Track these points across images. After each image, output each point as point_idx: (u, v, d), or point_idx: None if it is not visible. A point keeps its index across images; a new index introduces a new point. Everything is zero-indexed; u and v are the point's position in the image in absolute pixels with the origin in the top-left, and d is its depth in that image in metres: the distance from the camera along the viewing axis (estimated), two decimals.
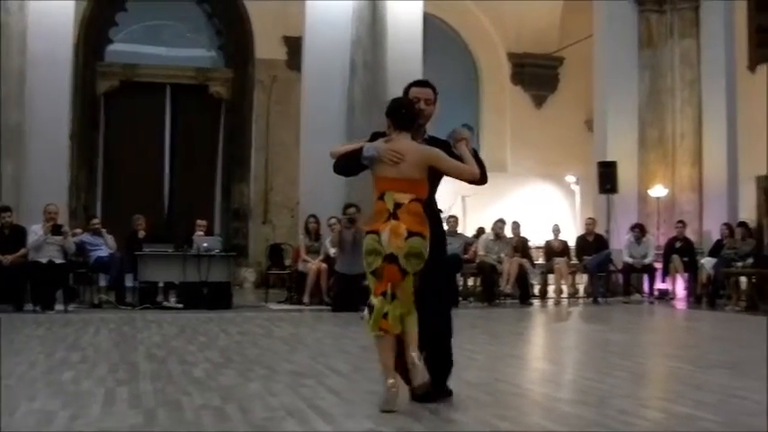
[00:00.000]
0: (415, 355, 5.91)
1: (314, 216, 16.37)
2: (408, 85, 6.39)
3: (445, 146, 6.21)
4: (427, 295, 6.05)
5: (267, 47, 22.63)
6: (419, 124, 6.21)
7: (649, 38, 19.68)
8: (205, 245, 15.23)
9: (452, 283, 16.65)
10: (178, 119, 22.62)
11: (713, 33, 19.11)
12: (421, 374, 5.90)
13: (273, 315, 14.06)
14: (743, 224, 17.38)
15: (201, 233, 16.28)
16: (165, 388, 6.67)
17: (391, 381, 5.88)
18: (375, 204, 6.05)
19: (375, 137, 6.30)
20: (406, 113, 6.09)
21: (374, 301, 5.96)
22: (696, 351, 10.38)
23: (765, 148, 20.81)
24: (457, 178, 6.18)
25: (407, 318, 5.91)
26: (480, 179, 6.16)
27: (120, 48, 22.37)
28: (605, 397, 6.46)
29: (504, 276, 16.67)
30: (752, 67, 22.34)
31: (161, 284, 15.74)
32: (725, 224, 17.61)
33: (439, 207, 6.52)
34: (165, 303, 15.37)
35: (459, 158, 6.11)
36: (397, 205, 5.89)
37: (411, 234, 5.82)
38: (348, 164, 6.40)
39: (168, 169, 22.43)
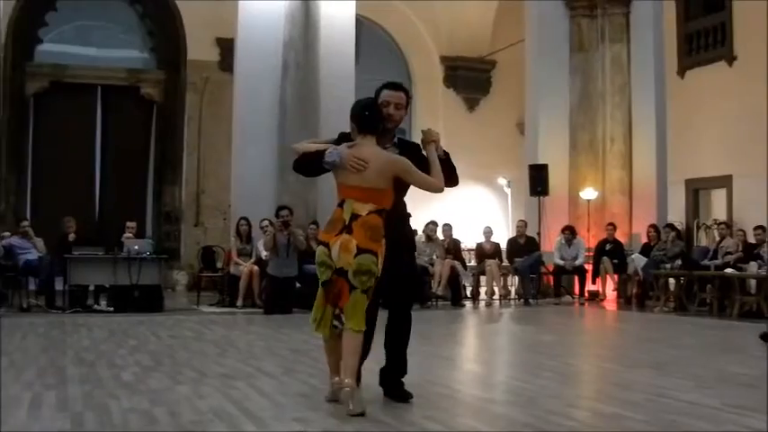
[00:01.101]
0: (349, 382, 5.69)
1: (245, 219, 16.29)
2: (380, 87, 6.13)
3: (415, 149, 6.10)
4: (394, 299, 6.26)
5: (199, 48, 22.45)
6: (386, 129, 6.00)
7: (580, 42, 19.89)
8: (136, 248, 15.07)
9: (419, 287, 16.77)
10: (109, 120, 22.38)
11: (643, 39, 19.37)
12: (356, 403, 5.65)
13: (205, 318, 13.97)
14: (671, 226, 17.62)
15: (131, 235, 16.13)
16: (93, 392, 6.60)
17: (336, 379, 5.92)
18: (334, 210, 5.95)
19: (342, 138, 6.11)
20: (369, 116, 5.86)
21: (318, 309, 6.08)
22: (624, 351, 10.53)
23: (695, 151, 21.18)
24: (425, 190, 6.00)
25: (352, 334, 5.78)
26: (451, 183, 6.09)
27: (50, 48, 22.03)
28: (534, 397, 6.52)
29: (436, 278, 16.73)
30: (681, 72, 22.69)
31: (91, 288, 15.52)
32: (651, 226, 17.87)
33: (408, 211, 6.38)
34: (96, 307, 15.15)
35: (426, 161, 5.97)
36: (354, 216, 5.73)
37: (361, 251, 5.68)
38: (309, 165, 6.32)
39: (99, 171, 22.18)
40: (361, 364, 6.01)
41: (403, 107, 6.01)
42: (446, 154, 6.10)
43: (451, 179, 6.08)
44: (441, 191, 5.92)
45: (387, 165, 5.76)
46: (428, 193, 6.00)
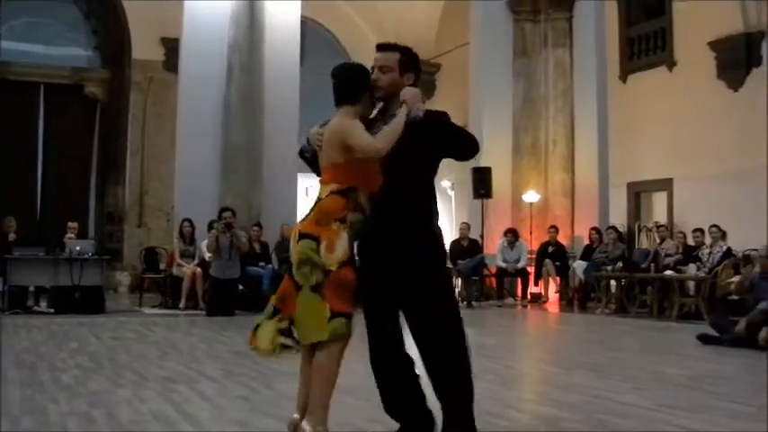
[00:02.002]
0: (307, 428, 4.62)
1: (189, 220, 16.23)
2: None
3: (440, 119, 4.94)
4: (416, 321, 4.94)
5: (144, 48, 22.31)
6: (376, 98, 4.93)
7: (524, 47, 20.03)
8: (78, 248, 14.95)
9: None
10: (52, 119, 22.15)
11: (586, 43, 19.53)
12: None
13: (147, 320, 13.89)
14: (613, 228, 17.83)
15: (72, 236, 16.01)
16: (32, 395, 6.56)
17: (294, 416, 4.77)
18: None
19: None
20: (336, 84, 4.91)
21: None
22: (565, 353, 10.65)
23: (637, 154, 21.46)
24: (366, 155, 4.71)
25: (315, 352, 4.73)
26: (463, 152, 5.02)
27: None
28: (475, 401, 6.57)
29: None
30: (623, 76, 23.00)
31: (32, 289, 15.37)
32: (593, 228, 18.05)
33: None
34: (36, 308, 15.02)
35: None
36: (317, 201, 4.82)
37: (301, 236, 4.76)
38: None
39: (41, 171, 21.95)
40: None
41: (392, 69, 4.89)
42: (429, 114, 4.85)
43: (468, 147, 5.03)
44: (377, 154, 4.63)
45: (332, 132, 4.76)
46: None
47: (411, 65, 4.94)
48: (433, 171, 4.99)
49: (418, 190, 4.91)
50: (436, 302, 4.86)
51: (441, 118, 4.92)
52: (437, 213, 4.98)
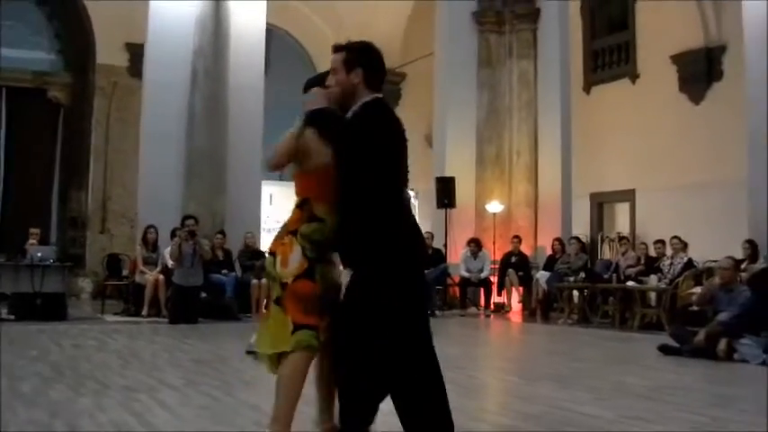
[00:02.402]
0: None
1: (153, 227, 16.15)
2: None
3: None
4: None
5: (109, 52, 22.20)
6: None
7: (488, 57, 20.11)
8: (39, 254, 14.84)
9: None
10: (14, 123, 21.95)
11: (549, 55, 19.64)
12: None
13: (109, 327, 13.80)
14: (576, 239, 17.94)
15: (34, 242, 15.90)
16: None
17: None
18: None
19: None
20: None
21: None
22: (527, 364, 10.70)
23: (600, 166, 21.62)
24: None
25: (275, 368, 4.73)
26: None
27: None
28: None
29: (342, 290, 16.71)
30: (586, 88, 23.20)
31: None
32: (556, 239, 18.15)
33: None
34: None
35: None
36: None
37: (269, 252, 4.86)
38: None
39: (3, 176, 21.75)
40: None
41: (337, 71, 4.67)
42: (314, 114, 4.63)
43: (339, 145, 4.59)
44: (269, 168, 4.79)
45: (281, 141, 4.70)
46: None
47: (357, 61, 4.61)
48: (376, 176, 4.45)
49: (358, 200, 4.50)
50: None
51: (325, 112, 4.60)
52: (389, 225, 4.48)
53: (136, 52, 21.17)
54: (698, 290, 13.39)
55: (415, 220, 4.62)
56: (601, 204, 23.37)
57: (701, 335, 10.52)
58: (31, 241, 15.88)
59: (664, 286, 15.01)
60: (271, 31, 20.21)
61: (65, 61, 22.68)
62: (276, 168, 4.67)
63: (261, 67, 18.23)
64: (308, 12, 24.50)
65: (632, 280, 15.82)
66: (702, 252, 16.76)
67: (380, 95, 4.59)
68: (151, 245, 16.11)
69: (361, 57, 4.63)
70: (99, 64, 22.29)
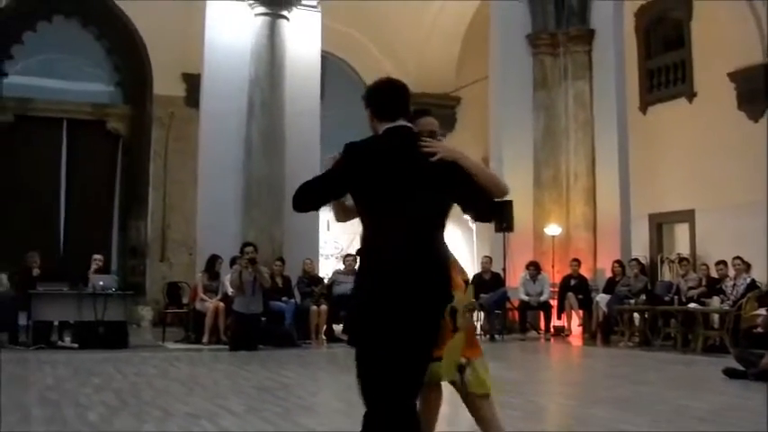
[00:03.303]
0: None
1: (219, 256, 16.21)
2: None
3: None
4: None
5: (166, 83, 22.45)
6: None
7: (544, 79, 20.05)
8: (101, 283, 15.02)
9: None
10: (74, 155, 22.25)
11: (605, 76, 19.51)
12: None
13: (170, 355, 13.93)
14: (635, 261, 17.78)
15: (97, 267, 16.07)
16: None
17: None
18: None
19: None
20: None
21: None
22: (587, 388, 10.61)
23: (658, 186, 21.44)
24: None
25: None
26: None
27: (16, 81, 21.85)
28: None
29: None
30: (643, 108, 23.04)
31: (56, 323, 15.46)
32: (616, 261, 18.00)
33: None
34: (60, 343, 15.09)
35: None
36: None
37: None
38: None
39: (64, 206, 22.04)
40: None
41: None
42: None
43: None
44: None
45: None
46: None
47: (366, 103, 4.61)
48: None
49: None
50: None
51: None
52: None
53: (192, 82, 21.43)
54: (762, 311, 13.20)
55: (397, 240, 4.28)
56: (660, 225, 23.15)
57: (767, 358, 10.36)
58: (94, 267, 16.04)
59: (727, 308, 14.82)
60: (326, 58, 20.35)
61: (123, 93, 22.98)
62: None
63: (317, 95, 18.36)
64: (362, 38, 24.61)
65: (694, 302, 15.64)
66: (765, 272, 16.54)
67: (394, 124, 4.46)
68: (214, 273, 16.23)
69: (367, 98, 4.60)
70: (156, 95, 22.56)
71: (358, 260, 4.47)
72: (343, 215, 4.70)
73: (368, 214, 4.34)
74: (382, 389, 4.22)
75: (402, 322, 4.16)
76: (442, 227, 4.42)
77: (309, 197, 4.48)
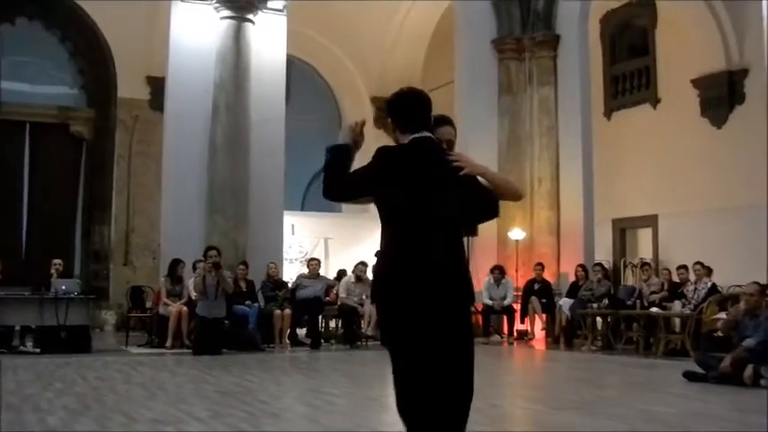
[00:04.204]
0: None
1: (182, 261, 16.13)
2: None
3: None
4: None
5: (130, 86, 22.31)
6: None
7: (509, 84, 20.13)
8: (63, 287, 14.91)
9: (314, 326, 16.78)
10: (37, 158, 22.07)
11: (570, 82, 19.58)
12: None
13: (133, 359, 13.83)
14: (599, 265, 17.88)
15: (56, 271, 15.94)
16: None
17: None
18: None
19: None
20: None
21: None
22: (551, 392, 10.64)
23: (622, 191, 21.59)
24: None
25: None
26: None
27: None
28: None
29: (366, 318, 16.74)
30: (607, 114, 23.22)
31: (17, 328, 15.32)
32: (580, 266, 18.09)
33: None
34: (22, 348, 14.92)
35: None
36: None
37: None
38: None
39: (26, 210, 21.86)
40: None
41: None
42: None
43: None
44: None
45: None
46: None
47: (387, 115, 4.86)
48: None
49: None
50: None
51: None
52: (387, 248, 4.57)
53: (157, 85, 21.31)
54: (723, 315, 13.30)
55: (418, 243, 4.47)
56: (623, 230, 23.32)
57: (726, 361, 10.45)
58: (52, 271, 15.92)
59: (688, 312, 14.94)
60: (291, 62, 20.33)
61: (87, 96, 22.80)
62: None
63: (282, 98, 18.31)
64: (328, 42, 24.60)
65: (656, 306, 15.77)
66: (726, 277, 16.69)
67: (417, 135, 4.63)
68: (176, 277, 16.16)
69: (387, 109, 4.82)
70: (120, 98, 22.40)
71: (380, 259, 4.59)
72: (365, 203, 4.92)
73: (394, 216, 4.52)
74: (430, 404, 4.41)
75: (440, 318, 4.35)
76: (463, 232, 4.61)
77: (344, 191, 4.74)
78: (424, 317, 4.35)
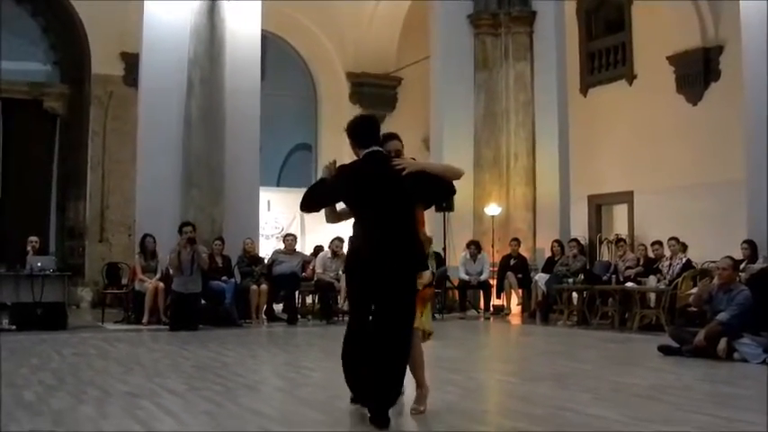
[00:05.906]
0: None
1: (151, 236, 16.13)
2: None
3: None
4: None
5: (104, 62, 22.11)
6: None
7: (485, 60, 20.09)
8: (39, 264, 14.84)
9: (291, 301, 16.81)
10: (10, 135, 21.86)
11: (546, 58, 19.58)
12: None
13: (110, 335, 13.81)
14: (574, 241, 17.94)
15: (33, 248, 15.87)
16: None
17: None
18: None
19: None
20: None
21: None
22: (527, 365, 10.70)
23: (598, 168, 21.65)
24: None
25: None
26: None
27: None
28: (437, 413, 6.58)
29: (342, 294, 16.71)
30: (583, 90, 23.25)
31: None
32: (556, 241, 18.14)
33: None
34: None
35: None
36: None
37: None
38: None
39: (0, 187, 21.69)
40: None
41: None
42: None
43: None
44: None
45: None
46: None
47: (349, 135, 6.56)
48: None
49: None
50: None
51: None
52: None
53: (131, 62, 21.13)
54: (696, 290, 13.38)
55: (370, 231, 6.30)
56: (599, 206, 23.41)
57: (700, 335, 10.52)
58: (29, 249, 15.84)
59: (663, 287, 15.00)
60: (267, 38, 20.22)
61: (61, 72, 22.58)
62: None
63: (257, 73, 18.19)
64: (303, 18, 24.47)
65: (631, 281, 15.83)
66: (701, 253, 16.80)
67: (370, 150, 6.41)
68: (150, 253, 16.11)
69: (346, 132, 6.59)
70: (94, 74, 22.17)
71: (349, 242, 7.27)
72: (333, 218, 6.71)
73: (358, 214, 6.42)
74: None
75: (381, 285, 6.16)
76: (413, 219, 6.35)
77: (312, 202, 6.67)
78: (369, 283, 6.18)
